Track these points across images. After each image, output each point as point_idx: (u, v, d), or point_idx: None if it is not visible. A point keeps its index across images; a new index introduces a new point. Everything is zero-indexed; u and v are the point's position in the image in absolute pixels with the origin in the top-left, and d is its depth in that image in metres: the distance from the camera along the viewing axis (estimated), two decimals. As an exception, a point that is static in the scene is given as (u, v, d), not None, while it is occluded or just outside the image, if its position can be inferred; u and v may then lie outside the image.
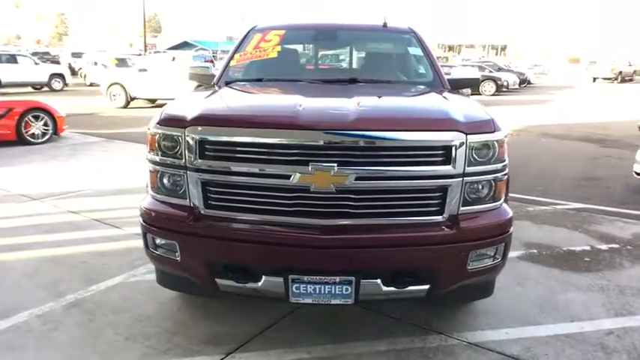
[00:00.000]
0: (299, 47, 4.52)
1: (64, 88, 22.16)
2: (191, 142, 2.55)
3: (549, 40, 66.26)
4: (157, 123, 2.69)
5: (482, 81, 22.84)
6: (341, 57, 4.54)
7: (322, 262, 2.51)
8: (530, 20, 67.13)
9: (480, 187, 2.64)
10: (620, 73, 38.14)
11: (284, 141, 2.46)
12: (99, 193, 6.03)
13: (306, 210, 2.51)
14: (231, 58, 4.12)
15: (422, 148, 2.51)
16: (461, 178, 2.55)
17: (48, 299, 3.39)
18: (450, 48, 65.81)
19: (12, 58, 21.02)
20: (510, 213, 2.76)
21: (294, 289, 2.53)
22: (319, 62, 4.57)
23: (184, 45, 38.70)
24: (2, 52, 22.02)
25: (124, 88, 15.90)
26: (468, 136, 2.53)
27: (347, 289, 2.53)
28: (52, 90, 21.48)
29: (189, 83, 18.08)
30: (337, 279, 2.51)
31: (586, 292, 3.66)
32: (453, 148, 2.50)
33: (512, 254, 3.50)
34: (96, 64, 26.04)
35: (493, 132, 2.63)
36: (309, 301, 2.56)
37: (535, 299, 3.51)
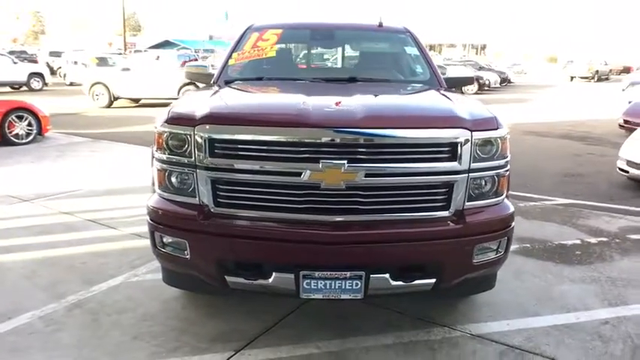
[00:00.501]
0: (297, 46, 4.54)
1: (44, 88, 21.71)
2: (200, 140, 2.56)
3: (528, 40, 67.35)
4: (165, 122, 2.69)
5: (466, 79, 23.12)
6: (338, 56, 4.58)
7: (334, 258, 2.55)
8: (509, 20, 68.15)
9: (484, 182, 2.71)
10: (597, 72, 39.05)
11: (295, 139, 2.49)
12: (90, 193, 5.97)
13: (317, 207, 2.55)
14: (230, 57, 4.12)
15: (430, 145, 2.58)
16: (466, 174, 2.61)
17: (49, 301, 3.35)
18: (431, 47, 66.38)
19: (-11, 58, 20.56)
20: (512, 208, 2.84)
21: (304, 285, 2.56)
22: (318, 61, 4.61)
23: (166, 44, 38.28)
24: (-21, 52, 21.51)
25: (107, 87, 15.69)
26: (473, 133, 2.60)
27: (357, 284, 2.57)
28: (31, 90, 21.01)
29: (174, 82, 17.84)
30: (348, 274, 2.55)
31: (580, 284, 3.78)
32: (459, 145, 2.57)
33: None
34: (76, 63, 25.63)
35: (496, 129, 2.71)
36: (320, 296, 2.60)
37: (532, 291, 3.61)
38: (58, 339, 2.93)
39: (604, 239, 4.76)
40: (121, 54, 30.38)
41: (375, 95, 3.24)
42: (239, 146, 2.55)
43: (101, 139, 9.85)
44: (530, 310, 3.32)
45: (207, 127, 2.56)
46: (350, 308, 3.26)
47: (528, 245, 4.51)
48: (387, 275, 2.59)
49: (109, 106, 15.78)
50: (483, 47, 72.39)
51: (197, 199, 2.64)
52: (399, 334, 3.00)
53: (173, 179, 2.72)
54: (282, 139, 2.51)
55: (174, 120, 2.68)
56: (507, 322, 3.17)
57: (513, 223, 2.84)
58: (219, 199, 2.62)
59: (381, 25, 4.45)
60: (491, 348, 2.90)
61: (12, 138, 8.81)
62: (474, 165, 2.63)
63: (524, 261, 4.15)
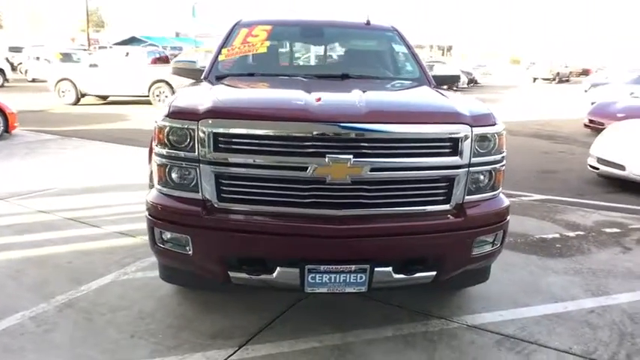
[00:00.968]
0: (287, 42, 4.54)
1: (5, 84, 20.87)
2: (204, 134, 2.53)
3: (492, 41, 69.15)
4: (167, 116, 2.64)
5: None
6: (329, 53, 4.60)
7: (340, 252, 2.57)
8: (474, 21, 69.79)
9: (482, 177, 2.79)
10: (558, 74, 40.41)
11: (301, 133, 2.49)
12: (65, 192, 5.78)
13: (322, 201, 2.56)
14: (219, 52, 4.08)
15: (433, 140, 2.63)
16: (466, 169, 2.68)
17: (38, 301, 3.25)
18: (399, 48, 67.12)
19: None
20: (507, 202, 2.93)
21: (309, 279, 2.58)
22: (308, 58, 4.61)
23: (132, 40, 37.31)
24: None
25: (73, 84, 15.22)
26: (473, 128, 2.67)
27: (361, 278, 2.60)
28: (-9, 86, 20.20)
29: (144, 79, 17.43)
30: (353, 267, 2.57)
31: (563, 275, 3.93)
32: (461, 140, 2.63)
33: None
34: (38, 58, 24.71)
35: (494, 125, 2.79)
36: (324, 290, 2.62)
37: (520, 283, 3.73)
38: (52, 339, 2.85)
39: (581, 233, 4.95)
40: (85, 50, 29.47)
41: (375, 91, 3.28)
42: (244, 140, 2.53)
43: (71, 137, 9.56)
44: (521, 301, 3.43)
45: (212, 121, 2.54)
46: (347, 302, 3.28)
47: (512, 239, 4.63)
48: (389, 268, 2.63)
49: (76, 103, 15.31)
50: (449, 49, 73.82)
51: (200, 194, 2.61)
52: (397, 327, 3.04)
53: (174, 174, 2.68)
54: (288, 133, 2.51)
55: (176, 114, 2.64)
56: (500, 312, 3.27)
57: (509, 217, 2.93)
58: (222, 194, 2.60)
59: (368, 22, 4.50)
60: (487, 337, 2.98)
61: (-23, 135, 8.46)
62: (474, 160, 2.70)
63: (509, 254, 4.26)
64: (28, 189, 5.77)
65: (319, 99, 2.71)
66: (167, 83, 14.82)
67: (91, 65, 15.75)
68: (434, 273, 2.73)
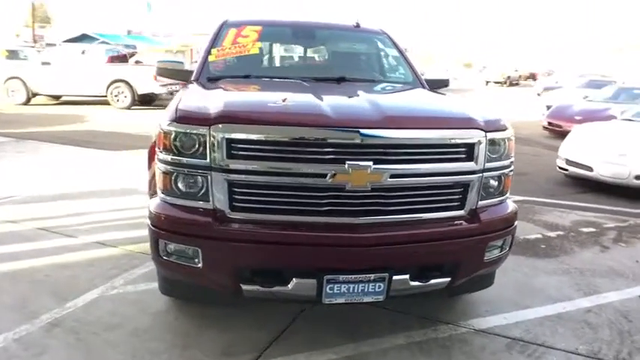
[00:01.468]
0: (279, 43, 4.42)
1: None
2: (217, 140, 2.39)
3: (447, 45, 71.15)
4: (173, 120, 2.48)
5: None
6: (324, 55, 4.51)
7: (359, 261, 2.49)
8: (428, 24, 71.51)
9: (493, 182, 2.79)
10: (509, 77, 42.04)
11: (321, 140, 2.40)
12: (30, 199, 5.41)
13: (340, 209, 2.48)
14: (209, 53, 3.91)
15: (450, 145, 2.61)
16: (480, 174, 2.67)
17: (20, 321, 2.98)
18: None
19: None
20: (515, 206, 2.95)
21: (327, 289, 2.48)
22: (302, 60, 4.50)
23: (84, 38, 35.60)
24: None
25: (24, 83, 14.41)
26: (487, 133, 2.66)
27: (380, 287, 2.54)
28: None
29: (102, 79, 16.74)
30: (372, 276, 2.50)
31: (554, 275, 4.02)
32: (476, 146, 2.62)
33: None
34: (-20, 55, 23.21)
35: (505, 130, 2.79)
36: (342, 300, 2.54)
37: (516, 285, 3.78)
38: (43, 363, 2.62)
39: (561, 233, 5.10)
40: (33, 47, 27.94)
41: (385, 95, 3.22)
42: (260, 147, 2.41)
43: (26, 139, 9.00)
44: (521, 303, 3.47)
45: (225, 126, 2.40)
46: (353, 312, 3.20)
47: (499, 241, 4.71)
48: (407, 276, 2.59)
49: (27, 103, 14.52)
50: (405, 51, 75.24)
51: (210, 203, 2.47)
52: (408, 334, 3.00)
53: (181, 182, 2.52)
54: (307, 139, 2.41)
55: (184, 119, 2.48)
56: (504, 315, 3.29)
57: (517, 221, 2.95)
58: (235, 203, 2.47)
59: (357, 25, 4.46)
60: (497, 342, 2.99)
61: None
62: (487, 165, 2.69)
63: (499, 256, 4.33)
64: (-12, 197, 5.36)
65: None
66: (127, 83, 14.26)
67: (43, 63, 14.91)
68: (448, 279, 2.71)
